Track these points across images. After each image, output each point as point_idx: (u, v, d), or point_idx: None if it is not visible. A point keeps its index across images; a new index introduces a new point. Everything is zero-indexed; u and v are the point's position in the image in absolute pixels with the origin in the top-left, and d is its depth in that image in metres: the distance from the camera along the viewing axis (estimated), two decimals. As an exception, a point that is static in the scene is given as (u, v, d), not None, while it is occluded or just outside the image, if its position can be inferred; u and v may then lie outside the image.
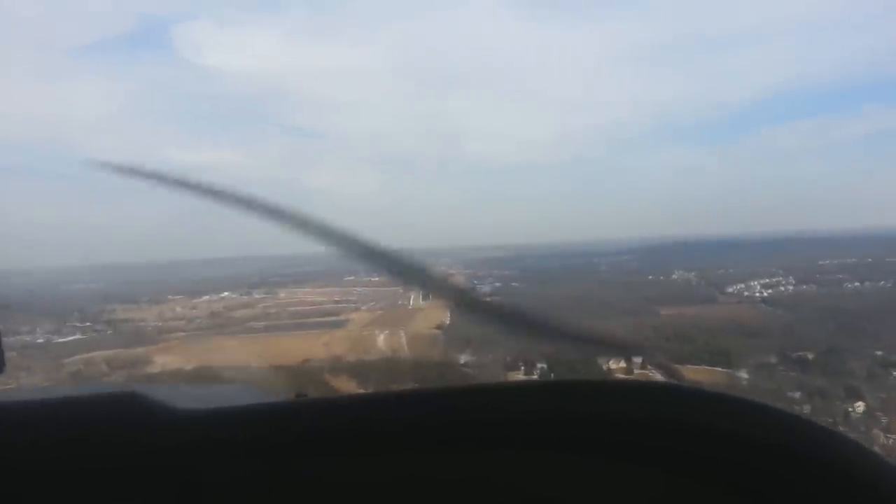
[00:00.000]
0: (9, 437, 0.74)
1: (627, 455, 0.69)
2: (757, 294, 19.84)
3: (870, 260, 23.13)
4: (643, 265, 27.17)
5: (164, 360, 13.59)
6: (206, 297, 25.11)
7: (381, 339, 17.50)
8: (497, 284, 24.35)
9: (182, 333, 17.56)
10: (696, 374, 12.13)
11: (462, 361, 14.32)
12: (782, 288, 20.29)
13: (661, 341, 14.28)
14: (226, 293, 25.69)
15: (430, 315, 19.04)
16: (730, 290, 20.50)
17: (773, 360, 13.25)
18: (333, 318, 16.56)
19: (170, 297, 25.27)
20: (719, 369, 11.40)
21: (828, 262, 24.28)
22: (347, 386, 11.47)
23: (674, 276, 23.90)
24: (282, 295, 24.35)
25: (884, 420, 11.44)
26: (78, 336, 16.28)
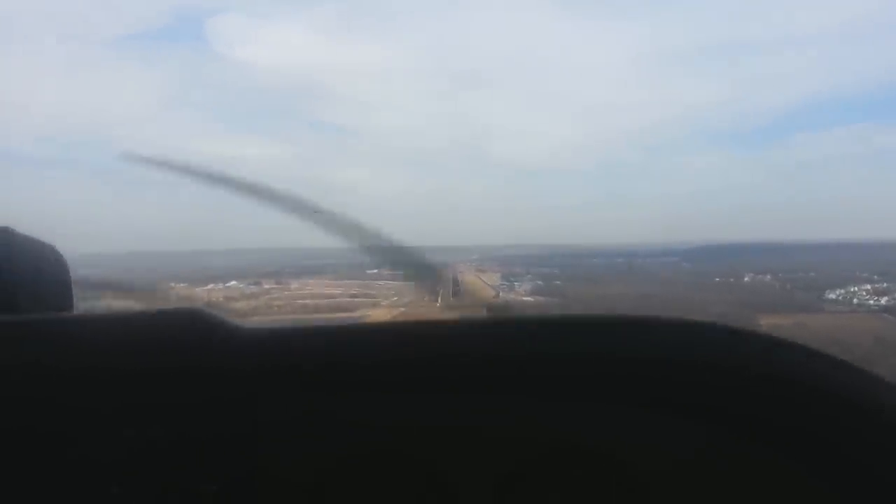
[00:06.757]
0: (65, 353, 0.71)
1: (648, 399, 0.62)
2: (871, 302, 16.68)
3: None
4: (696, 266, 25.78)
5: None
6: (209, 286, 23.36)
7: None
8: (539, 283, 22.79)
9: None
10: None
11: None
12: (901, 294, 17.07)
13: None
14: (233, 282, 23.79)
15: (463, 315, 16.43)
16: (831, 296, 17.45)
17: None
18: (346, 314, 14.02)
19: (171, 284, 23.29)
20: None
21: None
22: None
23: (746, 280, 22.10)
24: (293, 286, 22.85)
25: None
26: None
